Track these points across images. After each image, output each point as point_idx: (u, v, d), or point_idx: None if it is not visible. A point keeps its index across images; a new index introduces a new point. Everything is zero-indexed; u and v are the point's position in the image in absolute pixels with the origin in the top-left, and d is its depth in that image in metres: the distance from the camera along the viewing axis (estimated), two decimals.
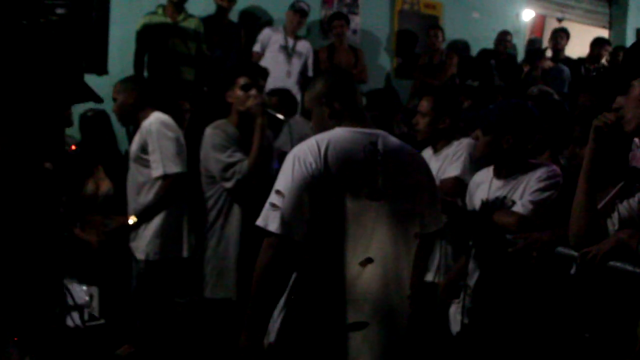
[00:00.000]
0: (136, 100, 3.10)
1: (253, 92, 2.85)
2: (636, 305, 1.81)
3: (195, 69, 4.86)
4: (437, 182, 2.81)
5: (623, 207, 1.96)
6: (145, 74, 4.72)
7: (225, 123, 2.93)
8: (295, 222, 1.77)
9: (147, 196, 3.01)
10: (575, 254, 1.97)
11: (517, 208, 2.34)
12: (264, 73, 3.03)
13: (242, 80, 2.86)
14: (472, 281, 2.48)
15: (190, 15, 4.84)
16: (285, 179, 1.80)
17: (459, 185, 2.74)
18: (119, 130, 4.11)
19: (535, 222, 2.28)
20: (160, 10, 4.73)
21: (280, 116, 2.93)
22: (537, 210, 2.31)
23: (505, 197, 2.43)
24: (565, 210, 2.03)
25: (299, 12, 5.36)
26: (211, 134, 2.87)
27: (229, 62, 4.95)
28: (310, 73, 5.46)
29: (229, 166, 2.79)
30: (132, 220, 3.01)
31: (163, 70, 4.67)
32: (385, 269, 1.86)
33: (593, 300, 2.06)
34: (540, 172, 2.40)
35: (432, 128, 2.93)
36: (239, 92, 2.86)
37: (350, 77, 2.11)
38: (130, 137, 4.01)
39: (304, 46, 5.45)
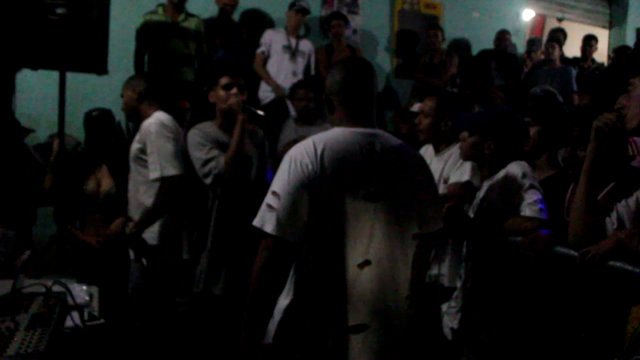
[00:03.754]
0: (140, 95, 3.08)
1: (234, 90, 2.96)
2: (635, 305, 1.80)
3: (195, 69, 4.86)
4: (440, 183, 2.82)
5: (622, 207, 1.97)
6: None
7: (206, 124, 3.05)
8: (291, 223, 1.76)
9: (144, 196, 2.99)
10: (575, 253, 1.97)
11: (526, 213, 2.29)
12: (244, 73, 3.10)
13: (223, 80, 2.99)
14: (467, 283, 2.48)
15: (191, 15, 4.84)
16: (282, 180, 1.80)
17: (471, 189, 2.73)
18: (125, 129, 4.11)
19: (550, 222, 2.26)
20: (160, 10, 4.72)
21: (261, 112, 2.99)
22: (545, 209, 2.30)
23: (485, 198, 2.44)
24: (565, 210, 2.04)
25: (299, 12, 5.38)
26: (190, 134, 3.00)
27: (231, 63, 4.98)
28: (313, 72, 5.48)
29: (206, 162, 2.90)
30: (131, 228, 2.98)
31: (163, 70, 4.66)
32: (384, 270, 1.86)
33: (591, 300, 2.06)
34: (515, 171, 2.36)
35: (435, 129, 2.93)
36: (221, 92, 2.99)
37: (362, 70, 1.97)
38: (130, 136, 4.01)
39: (306, 45, 5.47)
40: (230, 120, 2.95)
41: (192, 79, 4.82)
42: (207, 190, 3.01)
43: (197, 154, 2.93)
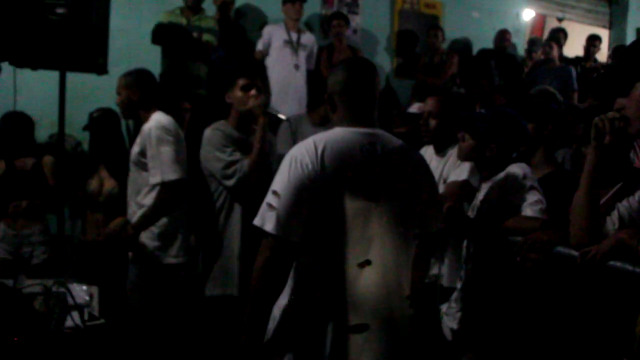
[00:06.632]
0: (140, 97, 3.05)
1: (253, 92, 2.93)
2: (636, 305, 1.80)
3: (206, 67, 4.90)
4: (440, 183, 2.82)
5: (623, 207, 1.96)
6: (159, 70, 4.74)
7: (223, 124, 3.02)
8: (291, 222, 1.76)
9: (145, 198, 2.98)
10: (575, 253, 1.97)
11: (528, 213, 2.28)
12: (263, 74, 3.08)
13: (241, 82, 2.95)
14: (467, 284, 2.47)
15: (205, 15, 4.93)
16: (282, 179, 1.80)
17: (469, 188, 2.73)
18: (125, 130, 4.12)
19: (550, 221, 2.26)
20: (177, 10, 4.87)
21: (282, 116, 2.99)
22: (546, 209, 2.29)
23: (485, 199, 2.43)
24: (566, 210, 2.03)
25: (297, 1, 5.32)
26: (210, 134, 2.96)
27: (231, 61, 4.97)
28: (312, 66, 5.45)
29: (230, 164, 2.87)
30: (129, 229, 2.97)
31: (174, 68, 4.72)
32: (384, 270, 1.85)
33: (592, 300, 2.06)
34: (515, 171, 2.36)
35: (443, 130, 2.92)
36: (239, 93, 2.95)
37: (364, 70, 1.97)
38: (130, 137, 4.01)
39: (308, 39, 5.42)
40: (246, 120, 2.93)
41: (205, 75, 4.86)
42: (214, 192, 2.98)
43: (220, 155, 2.90)
